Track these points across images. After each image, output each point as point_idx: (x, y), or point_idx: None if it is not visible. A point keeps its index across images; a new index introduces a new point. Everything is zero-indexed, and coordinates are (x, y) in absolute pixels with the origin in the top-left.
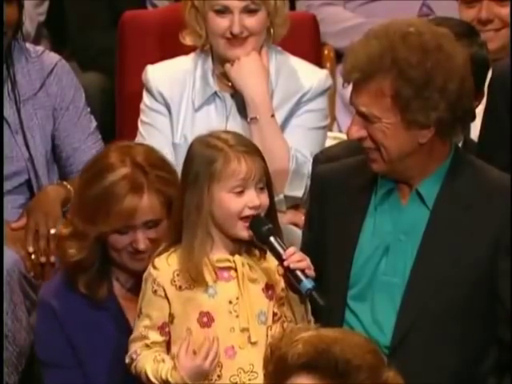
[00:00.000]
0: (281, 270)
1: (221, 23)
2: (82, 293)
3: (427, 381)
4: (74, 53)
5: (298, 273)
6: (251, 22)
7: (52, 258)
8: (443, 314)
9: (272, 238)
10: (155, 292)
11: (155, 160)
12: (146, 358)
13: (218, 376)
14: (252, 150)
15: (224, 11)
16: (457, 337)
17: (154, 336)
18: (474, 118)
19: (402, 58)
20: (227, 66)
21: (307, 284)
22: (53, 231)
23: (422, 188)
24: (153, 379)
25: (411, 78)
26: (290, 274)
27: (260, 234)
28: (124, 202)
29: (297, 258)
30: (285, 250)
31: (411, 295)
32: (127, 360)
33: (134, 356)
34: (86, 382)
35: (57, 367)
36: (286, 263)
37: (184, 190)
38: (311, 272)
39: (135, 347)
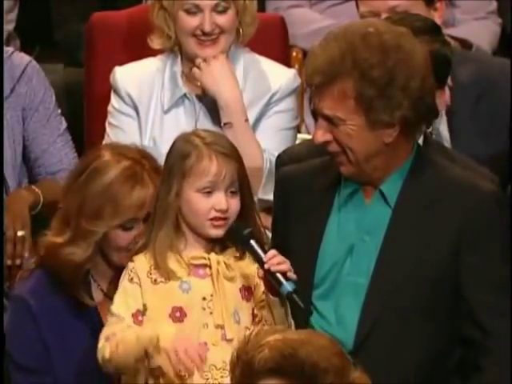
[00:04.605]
0: (261, 273)
1: (191, 22)
2: (61, 296)
3: (390, 380)
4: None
5: (279, 275)
6: (222, 20)
7: (17, 261)
8: (406, 312)
9: (252, 242)
10: (131, 280)
11: (146, 154)
12: (130, 329)
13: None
14: (228, 152)
15: (194, 10)
16: (420, 336)
17: (129, 322)
18: (436, 115)
19: (363, 58)
20: (195, 71)
21: (287, 287)
22: (20, 233)
23: (385, 187)
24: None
25: (373, 78)
26: (270, 277)
27: (241, 237)
28: (133, 194)
29: (277, 261)
30: (265, 253)
31: (373, 294)
32: (100, 344)
33: (112, 337)
34: None
35: (28, 371)
36: (266, 266)
37: (160, 184)
38: (292, 274)
39: (112, 329)
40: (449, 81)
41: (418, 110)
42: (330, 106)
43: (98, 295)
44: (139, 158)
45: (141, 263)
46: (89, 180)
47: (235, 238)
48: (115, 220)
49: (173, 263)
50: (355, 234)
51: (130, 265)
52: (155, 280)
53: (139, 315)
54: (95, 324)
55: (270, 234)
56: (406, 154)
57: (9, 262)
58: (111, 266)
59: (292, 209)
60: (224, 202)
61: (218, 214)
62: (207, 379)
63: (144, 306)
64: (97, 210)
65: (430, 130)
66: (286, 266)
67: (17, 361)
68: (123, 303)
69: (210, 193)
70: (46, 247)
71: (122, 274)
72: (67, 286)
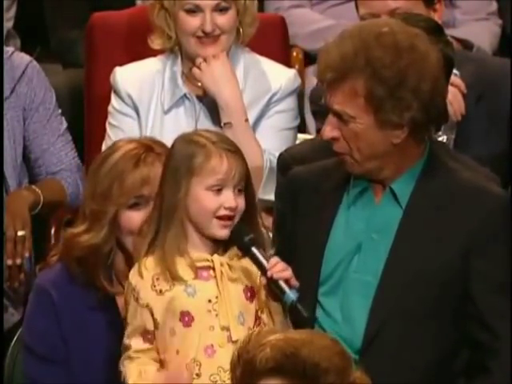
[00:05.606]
0: (263, 280)
1: (192, 22)
2: (81, 288)
3: (398, 380)
4: (57, 53)
5: (282, 283)
6: (222, 20)
7: (18, 261)
8: (414, 313)
9: (254, 249)
10: (137, 299)
11: (158, 141)
12: (131, 373)
13: (197, 375)
14: (235, 150)
15: (195, 10)
16: (428, 336)
17: (137, 343)
18: (447, 118)
19: (376, 57)
20: (195, 71)
21: (291, 295)
22: (20, 233)
23: (396, 187)
24: None
25: (384, 77)
26: (273, 285)
27: (242, 244)
28: (136, 171)
29: (280, 268)
30: (267, 260)
31: (382, 294)
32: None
33: (122, 368)
34: (69, 378)
35: (43, 359)
36: (269, 273)
37: (163, 185)
38: (295, 282)
39: (122, 358)
40: (463, 88)
41: (427, 112)
42: (340, 101)
43: (117, 286)
44: (150, 143)
45: (143, 277)
46: (99, 165)
47: (236, 243)
48: (122, 198)
49: (179, 266)
50: (364, 233)
51: (132, 282)
52: (160, 291)
53: (148, 334)
54: (113, 316)
55: (270, 234)
56: (415, 155)
57: (9, 262)
58: (125, 253)
59: (299, 208)
60: (233, 200)
61: (227, 212)
62: (215, 381)
63: (155, 321)
64: (105, 191)
65: (444, 139)
66: (288, 272)
67: (30, 347)
68: (131, 324)
69: (219, 191)
70: (66, 239)
71: (125, 289)
72: (89, 275)
